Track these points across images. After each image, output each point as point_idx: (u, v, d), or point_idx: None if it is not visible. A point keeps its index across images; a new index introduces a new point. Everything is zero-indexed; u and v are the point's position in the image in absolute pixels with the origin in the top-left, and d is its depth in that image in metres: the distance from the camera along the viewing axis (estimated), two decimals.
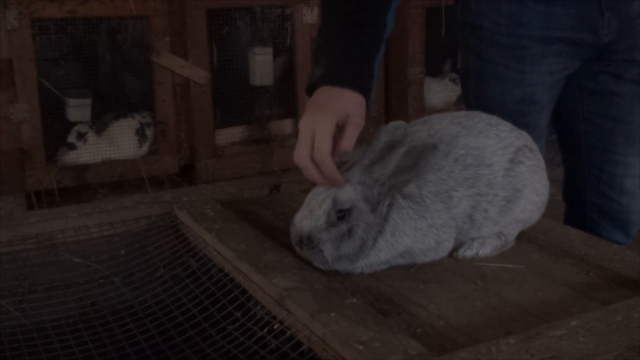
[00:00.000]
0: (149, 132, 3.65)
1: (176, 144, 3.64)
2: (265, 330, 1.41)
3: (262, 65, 3.80)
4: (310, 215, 1.46)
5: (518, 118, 1.74)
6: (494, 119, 1.60)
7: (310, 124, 1.43)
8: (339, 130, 1.47)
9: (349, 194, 1.45)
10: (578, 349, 1.16)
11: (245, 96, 3.87)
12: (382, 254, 1.49)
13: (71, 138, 3.54)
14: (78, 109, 3.56)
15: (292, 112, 3.88)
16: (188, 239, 1.82)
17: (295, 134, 3.85)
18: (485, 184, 1.51)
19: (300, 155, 1.45)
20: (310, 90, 1.51)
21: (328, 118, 1.43)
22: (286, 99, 3.90)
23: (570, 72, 1.98)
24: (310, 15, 3.74)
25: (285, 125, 3.88)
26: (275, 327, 1.40)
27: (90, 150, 3.53)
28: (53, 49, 3.71)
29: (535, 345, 1.17)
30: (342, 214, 1.44)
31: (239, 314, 1.46)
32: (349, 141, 1.47)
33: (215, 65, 3.71)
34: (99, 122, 3.59)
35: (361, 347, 1.20)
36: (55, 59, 3.75)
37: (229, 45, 3.81)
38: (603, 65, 1.93)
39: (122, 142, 3.60)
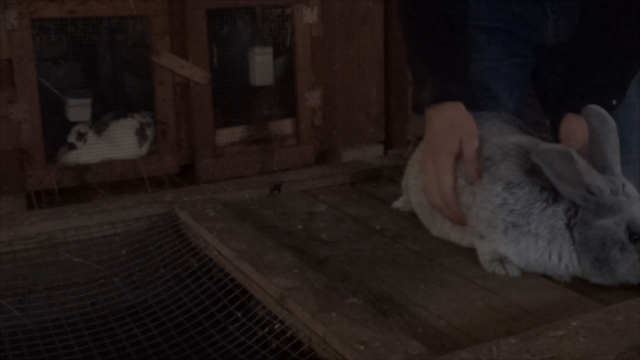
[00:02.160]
0: (149, 132, 3.65)
1: (176, 144, 3.64)
2: (266, 330, 1.41)
3: (262, 65, 3.80)
4: None
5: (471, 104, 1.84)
6: None
7: (433, 169, 1.65)
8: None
9: None
10: (579, 349, 1.16)
11: (245, 96, 3.87)
12: None
13: (71, 138, 3.53)
14: (78, 109, 3.56)
15: (292, 112, 3.88)
16: (189, 238, 1.82)
17: (295, 134, 3.85)
18: None
19: (432, 197, 1.66)
20: (419, 108, 1.75)
21: (445, 159, 1.63)
22: (286, 99, 3.90)
23: (522, 62, 1.97)
24: (310, 15, 3.74)
25: (285, 125, 3.88)
26: (276, 327, 1.40)
27: (90, 150, 3.52)
28: (53, 49, 3.71)
29: (536, 345, 1.17)
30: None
31: (239, 314, 1.46)
32: (470, 159, 1.62)
33: (215, 65, 3.71)
34: (99, 122, 3.59)
35: (362, 347, 1.20)
36: (55, 59, 3.74)
37: (229, 45, 3.80)
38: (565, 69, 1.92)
39: (122, 142, 3.59)
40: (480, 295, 1.45)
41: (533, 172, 1.51)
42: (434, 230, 1.74)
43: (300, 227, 1.85)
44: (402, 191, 1.98)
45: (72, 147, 3.51)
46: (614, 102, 1.68)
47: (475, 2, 1.91)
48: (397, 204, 1.97)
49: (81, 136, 3.53)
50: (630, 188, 1.48)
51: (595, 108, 1.51)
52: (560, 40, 1.88)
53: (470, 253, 1.61)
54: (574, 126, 1.67)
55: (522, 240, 1.51)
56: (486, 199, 1.54)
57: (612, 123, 1.49)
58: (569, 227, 1.48)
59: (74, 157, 3.51)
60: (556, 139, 1.75)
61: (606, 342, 1.18)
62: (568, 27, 1.85)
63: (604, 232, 1.44)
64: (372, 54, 3.94)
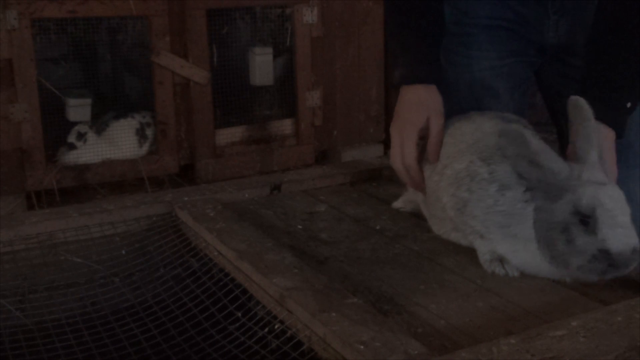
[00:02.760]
0: (149, 132, 3.65)
1: (176, 144, 3.63)
2: (266, 330, 1.41)
3: (262, 65, 3.79)
4: (627, 230, 1.37)
5: (472, 102, 1.90)
6: None
7: (398, 137, 1.74)
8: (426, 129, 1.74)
9: (620, 190, 1.43)
10: (579, 349, 1.16)
11: (245, 96, 3.86)
12: None
13: (71, 138, 3.53)
14: (78, 109, 3.55)
15: (292, 112, 3.87)
16: (189, 238, 1.82)
17: (295, 134, 3.85)
18: None
19: (395, 162, 1.76)
20: (393, 85, 1.84)
21: (410, 129, 1.72)
22: (286, 99, 3.90)
23: (524, 61, 1.97)
24: (310, 15, 3.74)
25: (285, 125, 3.88)
26: (276, 326, 1.40)
27: (90, 150, 3.52)
28: (53, 49, 3.71)
29: (536, 345, 1.18)
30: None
31: (239, 314, 1.46)
32: (435, 137, 1.73)
33: (215, 65, 3.71)
34: (99, 122, 3.59)
35: (362, 347, 1.20)
36: (55, 59, 3.74)
37: (229, 45, 3.80)
38: (568, 69, 1.91)
39: (122, 142, 3.59)
40: (480, 295, 1.45)
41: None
42: (435, 228, 1.74)
43: (300, 227, 1.85)
44: (402, 191, 1.98)
45: (72, 147, 3.51)
46: (629, 104, 1.66)
47: (478, 2, 1.91)
48: (397, 204, 1.97)
49: (81, 136, 3.52)
50: (597, 177, 1.43)
51: (573, 98, 1.50)
52: (562, 40, 1.87)
53: (470, 253, 1.61)
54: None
55: (513, 241, 1.51)
56: (481, 197, 1.54)
57: (587, 113, 1.47)
58: None
59: (74, 157, 3.51)
60: (565, 145, 1.74)
61: (606, 342, 1.18)
62: (569, 27, 1.85)
63: (548, 215, 1.43)
64: (372, 54, 3.94)
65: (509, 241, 1.51)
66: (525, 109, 2.07)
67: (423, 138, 1.74)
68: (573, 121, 1.49)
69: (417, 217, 1.88)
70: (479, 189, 1.54)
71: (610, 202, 1.38)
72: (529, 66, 1.99)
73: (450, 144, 1.68)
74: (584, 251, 1.37)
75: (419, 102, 1.75)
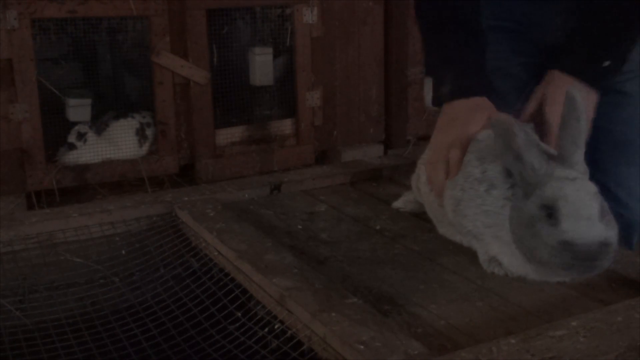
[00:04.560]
0: (149, 132, 3.64)
1: (176, 144, 3.63)
2: (266, 330, 1.41)
3: (262, 65, 3.79)
4: (592, 223, 1.35)
5: None
6: None
7: (444, 144, 1.60)
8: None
9: (594, 185, 1.41)
10: (579, 349, 1.16)
11: (245, 96, 3.86)
12: None
13: (71, 138, 3.52)
14: (78, 109, 3.55)
15: (292, 112, 3.87)
16: (189, 238, 1.82)
17: (295, 134, 3.85)
18: None
19: (436, 175, 1.59)
20: (439, 103, 1.72)
21: (459, 143, 1.58)
22: (286, 99, 3.89)
23: (529, 62, 1.96)
24: (310, 15, 3.74)
25: (285, 125, 3.87)
26: (276, 326, 1.40)
27: (90, 150, 3.51)
28: (53, 49, 3.70)
29: (536, 345, 1.18)
30: (603, 208, 1.38)
31: (239, 314, 1.46)
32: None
33: (215, 65, 3.71)
34: (99, 122, 3.58)
35: (362, 347, 1.20)
36: (55, 59, 3.74)
37: (229, 45, 3.79)
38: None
39: (122, 142, 3.58)
40: (480, 295, 1.45)
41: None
42: (441, 229, 1.74)
43: (300, 227, 1.85)
44: (402, 191, 1.98)
45: (72, 147, 3.51)
46: (607, 63, 1.63)
47: (483, 2, 1.90)
48: (397, 204, 1.97)
49: (81, 136, 3.52)
50: (571, 173, 1.41)
51: (571, 91, 1.45)
52: (571, 42, 1.87)
53: (470, 253, 1.61)
54: (553, 89, 1.65)
55: (500, 242, 1.50)
56: (471, 197, 1.53)
57: (578, 111, 1.42)
58: None
59: (74, 157, 3.50)
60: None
61: (606, 342, 1.18)
62: (575, 27, 1.84)
63: (520, 211, 1.42)
64: (372, 54, 3.93)
65: (497, 242, 1.51)
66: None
67: None
68: (565, 115, 1.45)
69: (417, 217, 1.88)
70: (470, 188, 1.53)
71: (576, 195, 1.36)
72: (534, 67, 1.98)
73: None
74: (547, 244, 1.35)
75: (477, 105, 1.66)
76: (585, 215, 1.34)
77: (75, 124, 3.55)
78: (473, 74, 1.72)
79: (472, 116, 1.63)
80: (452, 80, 1.72)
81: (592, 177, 1.89)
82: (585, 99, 1.59)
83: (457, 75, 1.72)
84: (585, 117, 1.43)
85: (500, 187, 1.49)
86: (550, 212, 1.35)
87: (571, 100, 1.43)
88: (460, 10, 1.77)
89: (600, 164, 1.90)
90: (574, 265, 1.34)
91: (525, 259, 1.44)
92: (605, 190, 1.93)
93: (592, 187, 1.39)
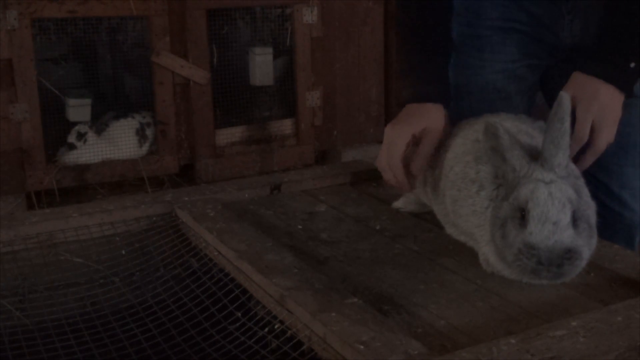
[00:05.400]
0: (149, 132, 3.65)
1: (176, 144, 3.64)
2: (266, 330, 1.41)
3: (262, 65, 3.79)
4: (558, 228, 1.33)
5: (484, 105, 1.87)
6: None
7: (390, 135, 1.72)
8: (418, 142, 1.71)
9: (570, 189, 1.38)
10: (578, 349, 1.16)
11: (245, 96, 3.87)
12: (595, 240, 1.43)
13: (71, 138, 3.53)
14: (78, 109, 3.56)
15: (292, 112, 3.88)
16: (189, 238, 1.82)
17: (295, 134, 3.86)
18: None
19: (379, 160, 1.74)
20: (401, 104, 1.81)
21: (404, 130, 1.70)
22: (286, 99, 3.90)
23: (536, 64, 1.96)
24: (310, 16, 3.74)
25: (285, 125, 3.88)
26: (275, 326, 1.40)
27: (90, 150, 3.52)
28: (53, 49, 3.71)
29: (536, 345, 1.18)
30: (576, 213, 1.36)
31: (239, 314, 1.46)
32: (423, 148, 1.70)
33: (215, 65, 3.71)
34: (99, 122, 3.59)
35: (362, 347, 1.20)
36: (55, 59, 3.74)
37: (229, 45, 3.80)
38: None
39: (122, 142, 3.59)
40: (480, 295, 1.45)
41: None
42: (448, 229, 1.74)
43: (300, 227, 1.85)
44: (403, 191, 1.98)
45: (72, 147, 3.51)
46: (633, 65, 1.62)
47: (490, 3, 1.90)
48: (397, 204, 1.97)
49: (81, 136, 3.53)
50: (549, 176, 1.38)
51: (562, 93, 1.43)
52: (576, 40, 1.86)
53: (470, 253, 1.61)
54: (576, 88, 1.64)
55: (484, 242, 1.50)
56: (465, 197, 1.53)
57: (563, 112, 1.40)
58: None
59: (74, 157, 3.51)
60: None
61: (606, 342, 1.18)
62: (583, 27, 1.84)
63: (495, 211, 1.42)
64: (372, 54, 3.94)
65: (484, 241, 1.51)
66: (532, 110, 2.06)
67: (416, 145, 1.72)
68: (550, 115, 1.43)
69: (417, 217, 1.89)
70: (465, 188, 1.54)
71: (547, 198, 1.34)
72: (538, 69, 1.98)
73: (460, 144, 1.67)
74: (512, 245, 1.35)
75: (421, 112, 1.74)
76: (553, 220, 1.32)
77: (75, 124, 3.56)
78: (433, 82, 1.80)
79: (416, 118, 1.73)
80: (414, 85, 1.81)
81: (596, 178, 1.89)
82: (612, 100, 1.61)
83: (418, 81, 1.82)
84: (569, 120, 1.42)
85: (488, 188, 1.49)
86: (523, 214, 1.35)
87: (559, 101, 1.42)
88: (431, 20, 1.83)
89: (605, 165, 1.90)
90: (537, 270, 1.34)
91: (498, 259, 1.44)
92: (609, 191, 1.94)
93: (567, 192, 1.37)
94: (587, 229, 1.39)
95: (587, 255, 1.37)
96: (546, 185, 1.36)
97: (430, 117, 1.73)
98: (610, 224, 1.97)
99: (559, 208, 1.34)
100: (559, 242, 1.32)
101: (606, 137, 1.66)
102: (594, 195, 1.93)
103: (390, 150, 1.70)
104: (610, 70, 1.63)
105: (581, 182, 1.49)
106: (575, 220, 1.35)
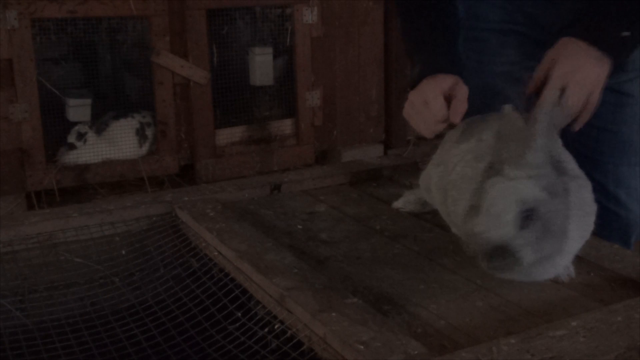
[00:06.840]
0: (149, 132, 3.64)
1: (176, 144, 3.63)
2: (266, 330, 1.41)
3: (262, 65, 3.79)
4: (499, 223, 1.30)
5: (483, 108, 1.79)
6: None
7: (419, 93, 1.56)
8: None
9: (529, 188, 1.35)
10: (578, 349, 1.16)
11: (245, 96, 3.86)
12: (576, 243, 1.40)
13: (71, 138, 3.52)
14: (78, 109, 3.55)
15: (292, 112, 3.88)
16: (189, 238, 1.82)
17: (295, 134, 3.85)
18: None
19: (407, 108, 1.59)
20: (413, 87, 1.66)
21: (431, 84, 1.56)
22: (286, 99, 3.90)
23: (534, 66, 1.94)
24: (310, 15, 3.74)
25: (285, 125, 3.87)
26: (276, 326, 1.40)
27: (90, 150, 3.51)
28: (53, 49, 3.70)
29: (536, 345, 1.18)
30: (529, 213, 1.31)
31: (239, 314, 1.46)
32: (460, 93, 1.57)
33: (215, 65, 3.71)
34: (99, 122, 3.58)
35: (362, 347, 1.20)
36: (55, 59, 3.74)
37: (229, 45, 3.80)
38: None
39: (122, 142, 3.59)
40: (480, 295, 1.45)
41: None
42: (452, 228, 1.73)
43: (300, 227, 1.85)
44: (402, 191, 1.98)
45: (72, 147, 3.51)
46: (626, 33, 1.55)
47: (488, 5, 1.89)
48: (397, 204, 1.97)
49: (81, 136, 3.52)
50: (518, 173, 1.36)
51: (506, 108, 1.43)
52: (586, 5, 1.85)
53: None
54: (561, 50, 1.58)
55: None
56: (460, 196, 1.50)
57: (538, 112, 1.39)
58: None
59: (74, 157, 3.50)
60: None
61: (606, 342, 1.18)
62: None
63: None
64: (372, 54, 3.93)
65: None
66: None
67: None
68: (501, 131, 1.44)
69: (417, 217, 1.89)
70: (462, 187, 1.54)
71: (500, 194, 1.32)
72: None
73: (463, 143, 1.66)
74: (463, 234, 1.37)
75: (442, 76, 1.63)
76: (495, 214, 1.30)
77: (75, 124, 3.55)
78: (443, 55, 1.72)
79: (440, 77, 1.62)
80: (424, 61, 1.71)
81: (592, 177, 1.89)
82: (597, 67, 1.53)
83: (428, 56, 1.72)
84: (545, 120, 1.40)
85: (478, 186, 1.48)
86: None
87: (540, 101, 1.41)
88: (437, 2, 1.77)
89: (600, 164, 1.90)
90: (480, 260, 1.31)
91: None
92: (605, 191, 1.94)
93: (524, 191, 1.34)
94: (542, 230, 1.32)
95: (531, 258, 1.30)
96: (507, 181, 1.35)
97: (451, 76, 1.63)
98: (607, 223, 1.97)
99: (507, 205, 1.31)
100: (493, 236, 1.28)
101: (577, 99, 1.54)
102: None
103: (424, 90, 1.57)
104: (595, 33, 1.56)
105: (577, 183, 1.47)
106: (526, 220, 1.31)
